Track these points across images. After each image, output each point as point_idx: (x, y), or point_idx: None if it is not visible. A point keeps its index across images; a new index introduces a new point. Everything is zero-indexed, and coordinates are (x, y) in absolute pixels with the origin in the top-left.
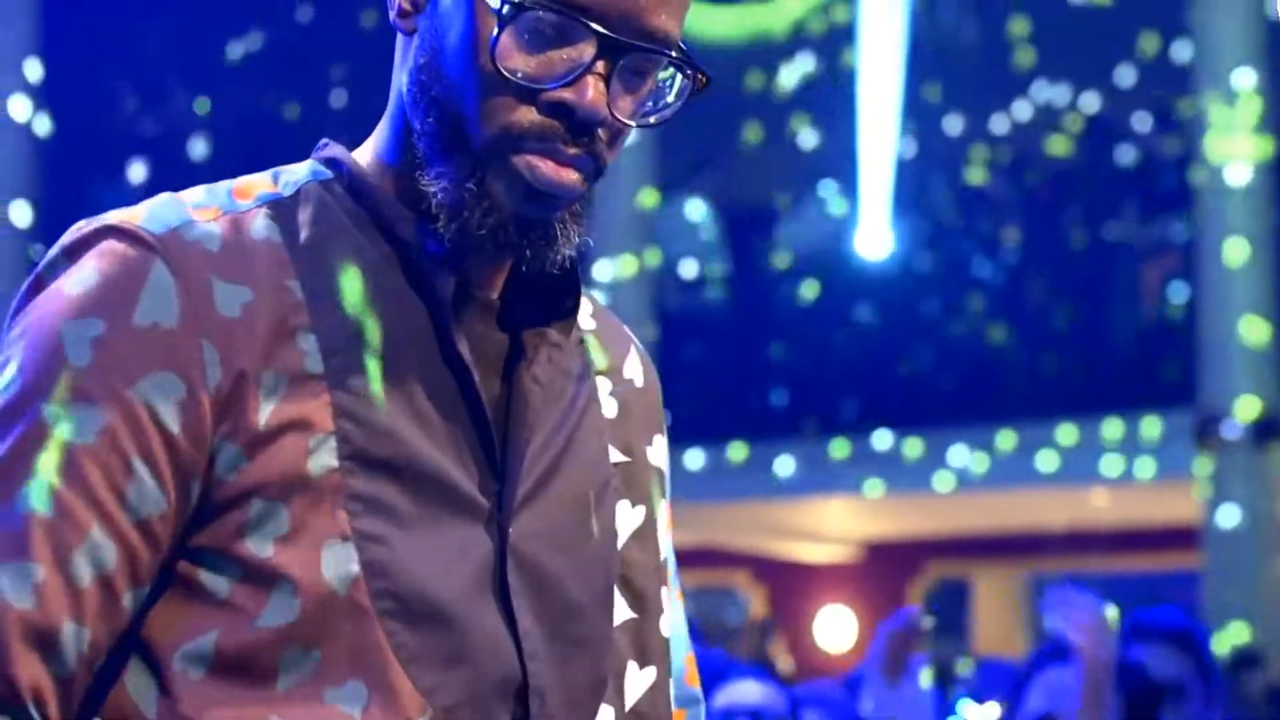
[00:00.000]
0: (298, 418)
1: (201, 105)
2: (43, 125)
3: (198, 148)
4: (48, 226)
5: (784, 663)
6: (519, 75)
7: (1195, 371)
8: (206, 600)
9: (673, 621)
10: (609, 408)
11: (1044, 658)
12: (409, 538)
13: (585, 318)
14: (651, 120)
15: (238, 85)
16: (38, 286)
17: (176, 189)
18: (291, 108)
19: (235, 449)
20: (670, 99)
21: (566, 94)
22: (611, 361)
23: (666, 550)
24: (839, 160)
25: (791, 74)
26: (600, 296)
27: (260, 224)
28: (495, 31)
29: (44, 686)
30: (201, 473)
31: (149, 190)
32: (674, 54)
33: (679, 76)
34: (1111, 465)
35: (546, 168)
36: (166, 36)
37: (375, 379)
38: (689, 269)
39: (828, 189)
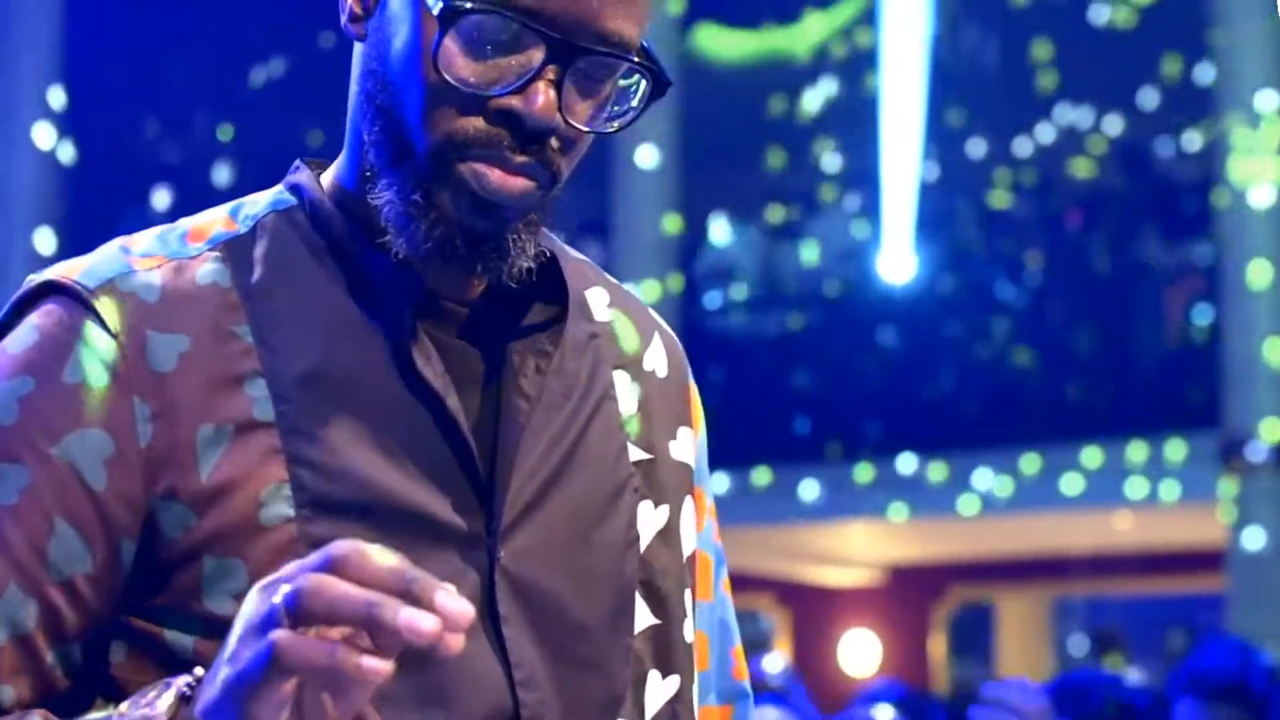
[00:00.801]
0: (246, 469)
1: (225, 132)
2: (67, 152)
3: (222, 174)
4: (72, 254)
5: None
6: (464, 82)
7: (1220, 394)
8: (172, 658)
9: (722, 614)
10: (627, 404)
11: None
12: None
13: (601, 309)
14: (613, 126)
15: (261, 111)
16: None
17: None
18: (315, 134)
19: (180, 507)
20: (634, 103)
21: (514, 101)
22: (630, 353)
23: (703, 543)
24: (862, 184)
25: (814, 98)
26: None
27: (208, 268)
28: (436, 37)
29: None
30: (135, 532)
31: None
32: (633, 58)
33: (643, 81)
34: (1136, 488)
35: (493, 176)
36: (190, 63)
37: (334, 418)
38: (713, 293)
39: (851, 213)
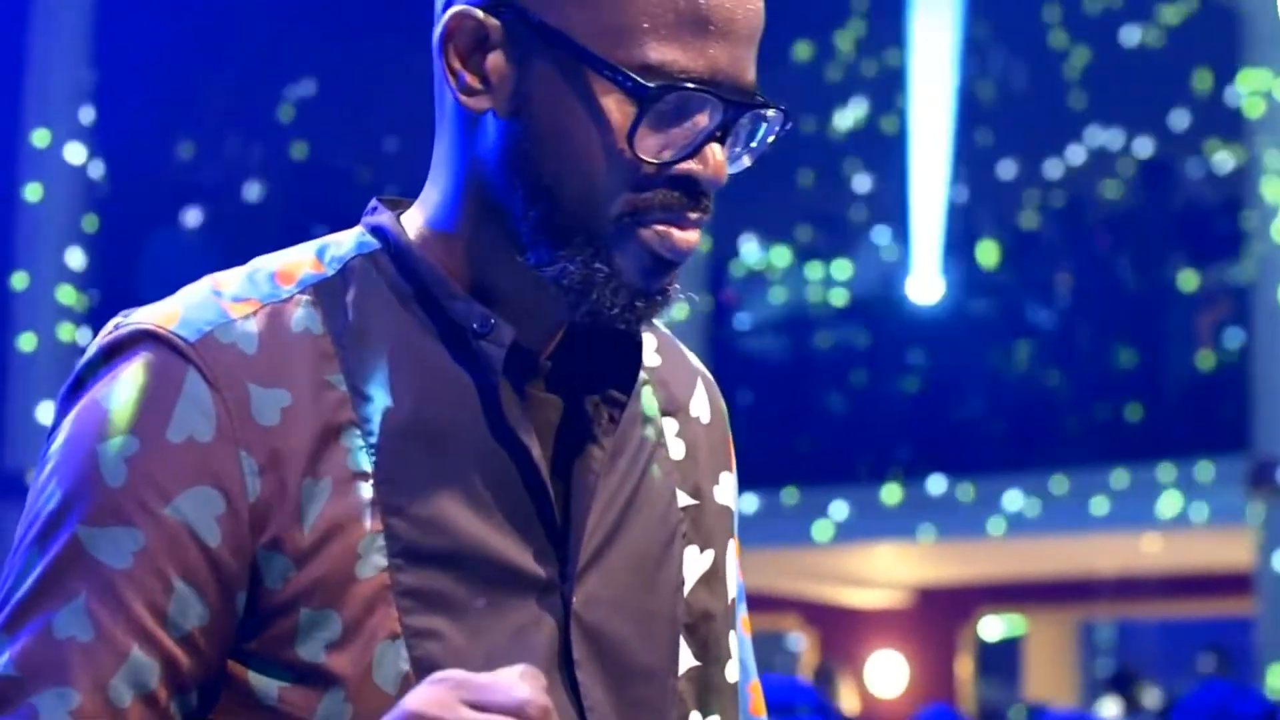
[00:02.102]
0: (344, 521)
1: (255, 151)
2: (97, 171)
3: (253, 193)
4: (102, 273)
5: (847, 704)
6: (655, 158)
7: (1249, 416)
8: (255, 701)
9: (740, 652)
10: (676, 449)
11: None
12: (464, 628)
13: (650, 353)
14: (743, 164)
15: (292, 131)
16: (78, 387)
17: (230, 235)
18: (346, 153)
19: (282, 559)
20: (755, 144)
21: (692, 165)
22: (678, 399)
23: (734, 587)
24: (891, 205)
25: (844, 119)
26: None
27: (301, 313)
28: (633, 118)
29: None
30: (245, 584)
31: (203, 236)
32: (781, 106)
33: (762, 122)
34: (1165, 510)
35: (676, 235)
36: (222, 82)
37: (425, 467)
38: (742, 314)
39: (880, 234)
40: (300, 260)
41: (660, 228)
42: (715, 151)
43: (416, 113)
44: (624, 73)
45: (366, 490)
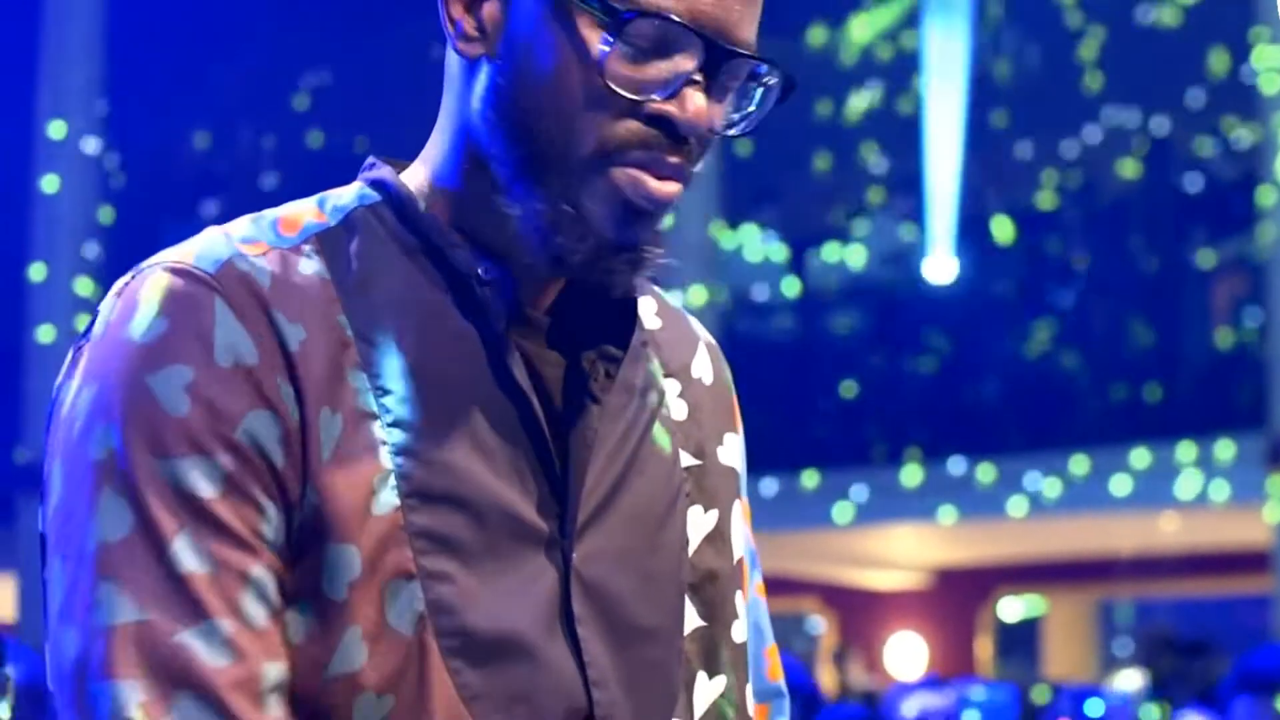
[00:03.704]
0: (359, 456)
1: (270, 141)
2: (112, 163)
3: (268, 183)
4: (119, 264)
5: (860, 679)
6: (628, 88)
7: (1268, 394)
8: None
9: (754, 617)
10: (678, 410)
11: None
12: (475, 573)
13: (650, 316)
14: (735, 130)
15: (307, 120)
16: (91, 332)
17: None
18: (361, 141)
19: (312, 489)
20: (753, 108)
21: (669, 106)
22: (680, 360)
23: (742, 548)
24: (907, 187)
25: (859, 102)
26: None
27: (307, 260)
28: (604, 46)
29: None
30: (296, 509)
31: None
32: (773, 61)
33: (759, 87)
34: (1185, 489)
35: (650, 182)
36: (236, 73)
37: (431, 412)
38: (758, 297)
39: (896, 215)
40: (302, 210)
41: (633, 170)
42: (695, 97)
43: (431, 101)
44: (600, 0)
45: (376, 430)
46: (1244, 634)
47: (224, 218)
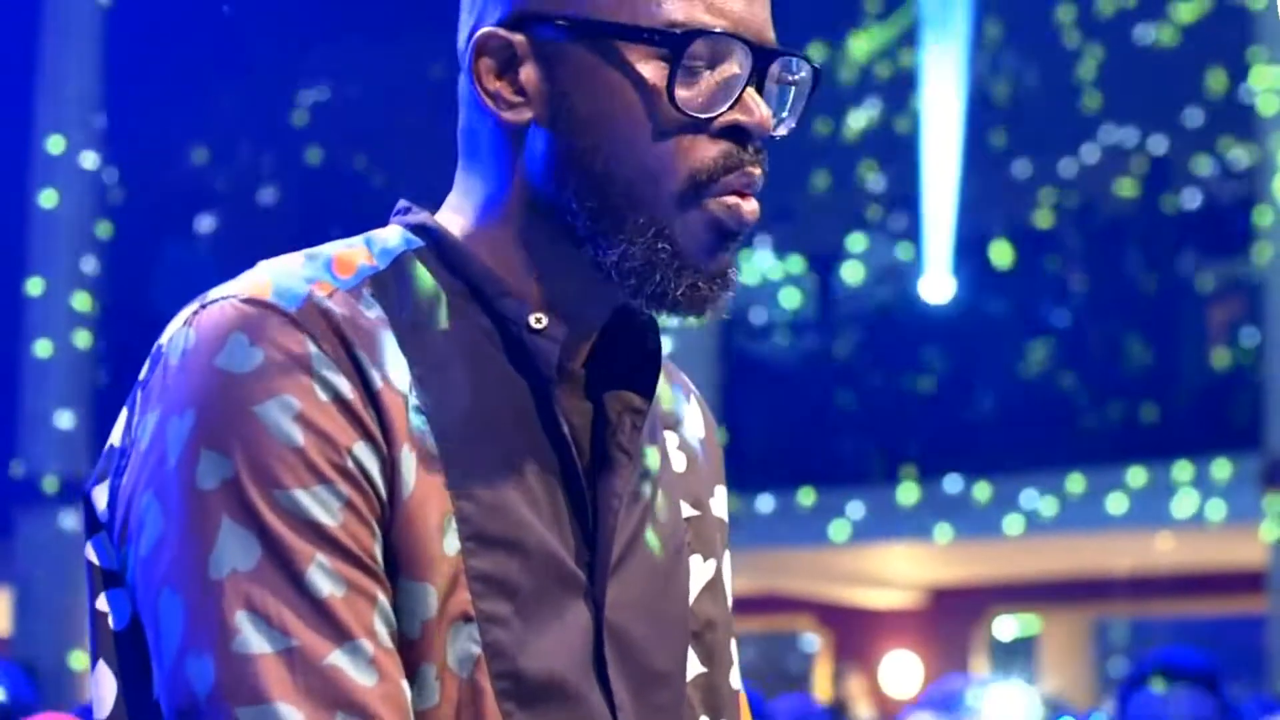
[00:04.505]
0: (430, 495)
1: (269, 157)
2: (111, 177)
3: (266, 198)
4: (116, 279)
5: (861, 707)
6: (696, 110)
7: (1264, 414)
8: None
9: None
10: (678, 462)
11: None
12: (525, 616)
13: None
14: (784, 129)
15: (305, 136)
16: (169, 363)
17: (244, 241)
18: (360, 159)
19: (397, 525)
20: (786, 112)
21: (737, 115)
22: (676, 414)
23: (729, 598)
24: (905, 205)
25: (858, 120)
26: (669, 342)
27: (366, 304)
28: (669, 77)
29: None
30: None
31: (217, 242)
32: (805, 57)
33: (791, 86)
34: (1181, 508)
35: (744, 205)
36: (234, 89)
37: (483, 457)
38: (757, 315)
39: (894, 234)
40: (355, 252)
41: (728, 199)
42: (755, 99)
43: (430, 118)
44: (651, 30)
45: (438, 471)
46: (1240, 654)
47: (222, 233)
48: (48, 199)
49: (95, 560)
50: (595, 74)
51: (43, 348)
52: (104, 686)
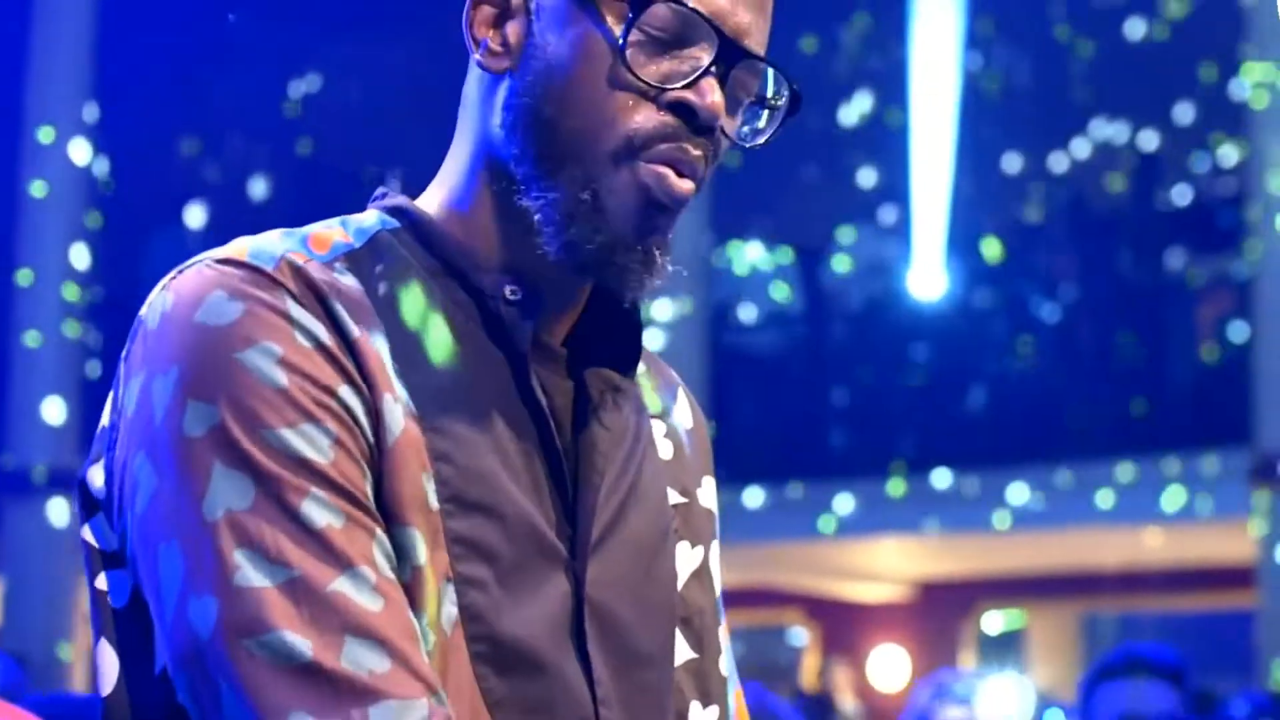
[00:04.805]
0: (413, 447)
1: (260, 148)
2: (101, 168)
3: (257, 190)
4: (106, 270)
5: (846, 700)
6: (649, 77)
7: (1253, 410)
8: None
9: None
10: (664, 450)
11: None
12: (503, 583)
13: None
14: (750, 143)
15: (297, 128)
16: (146, 330)
17: (234, 232)
18: (351, 149)
19: (386, 468)
20: (761, 124)
21: (688, 94)
22: (662, 404)
23: (719, 588)
24: (895, 199)
25: (849, 113)
26: (659, 336)
27: (341, 275)
28: (622, 35)
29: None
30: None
31: (207, 233)
32: (780, 68)
33: (766, 110)
34: (1170, 503)
35: (671, 179)
36: (226, 79)
37: (463, 424)
38: (747, 309)
39: (884, 227)
40: (330, 230)
41: (659, 167)
42: (712, 86)
43: (422, 109)
44: None
45: (417, 433)
46: (1228, 649)
47: (212, 224)
48: (38, 189)
49: (94, 543)
50: (566, 28)
51: (32, 338)
52: (106, 663)
